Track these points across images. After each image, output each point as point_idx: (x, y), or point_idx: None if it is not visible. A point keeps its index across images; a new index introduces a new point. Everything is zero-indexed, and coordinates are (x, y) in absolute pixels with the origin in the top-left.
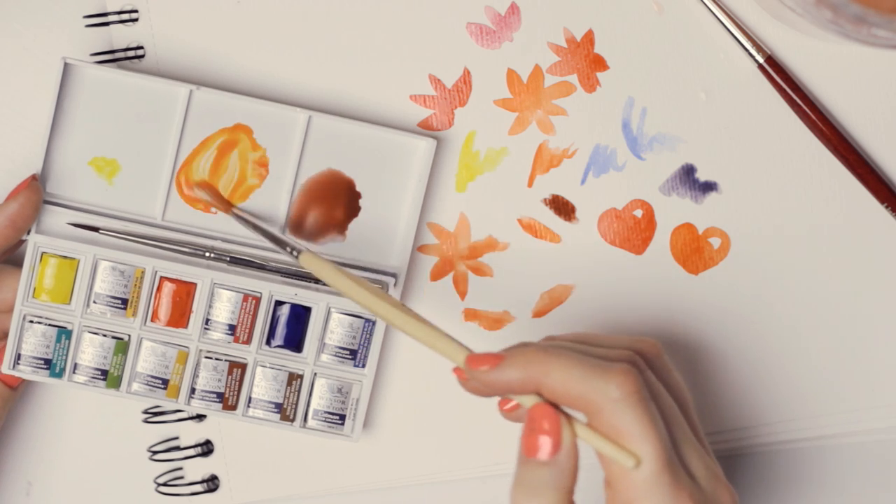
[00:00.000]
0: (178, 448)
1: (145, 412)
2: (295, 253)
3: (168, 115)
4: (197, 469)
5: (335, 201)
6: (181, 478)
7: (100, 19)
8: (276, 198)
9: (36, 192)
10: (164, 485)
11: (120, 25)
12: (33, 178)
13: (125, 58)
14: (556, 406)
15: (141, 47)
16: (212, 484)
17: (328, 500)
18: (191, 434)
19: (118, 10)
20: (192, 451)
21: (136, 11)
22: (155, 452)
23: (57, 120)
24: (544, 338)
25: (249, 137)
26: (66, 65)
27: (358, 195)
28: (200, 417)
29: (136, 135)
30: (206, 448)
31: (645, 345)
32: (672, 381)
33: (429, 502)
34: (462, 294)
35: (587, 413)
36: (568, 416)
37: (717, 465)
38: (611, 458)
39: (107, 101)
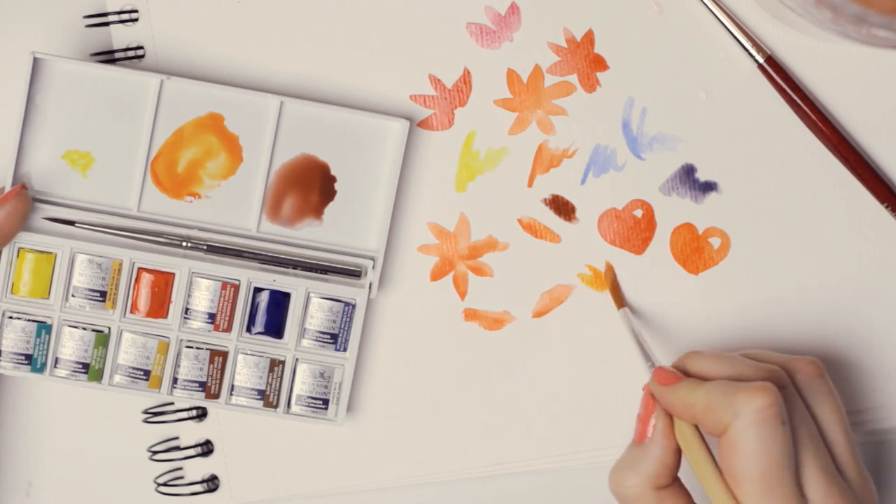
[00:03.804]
0: (178, 448)
1: (145, 412)
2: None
3: (140, 106)
4: (197, 469)
5: (310, 186)
6: (181, 478)
7: (100, 19)
8: (251, 184)
9: (24, 202)
10: (164, 485)
11: (120, 25)
12: (23, 186)
13: (125, 58)
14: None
15: (141, 47)
16: (212, 484)
17: (328, 500)
18: (191, 434)
19: (118, 10)
20: (192, 451)
21: (136, 11)
22: (155, 452)
23: (28, 115)
24: (684, 356)
25: (221, 141)
26: (35, 59)
27: (333, 179)
28: (200, 417)
29: (108, 127)
30: (206, 448)
31: (802, 363)
32: (827, 402)
33: (429, 502)
34: (462, 294)
35: (723, 433)
36: (666, 414)
37: (848, 493)
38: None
39: (78, 94)
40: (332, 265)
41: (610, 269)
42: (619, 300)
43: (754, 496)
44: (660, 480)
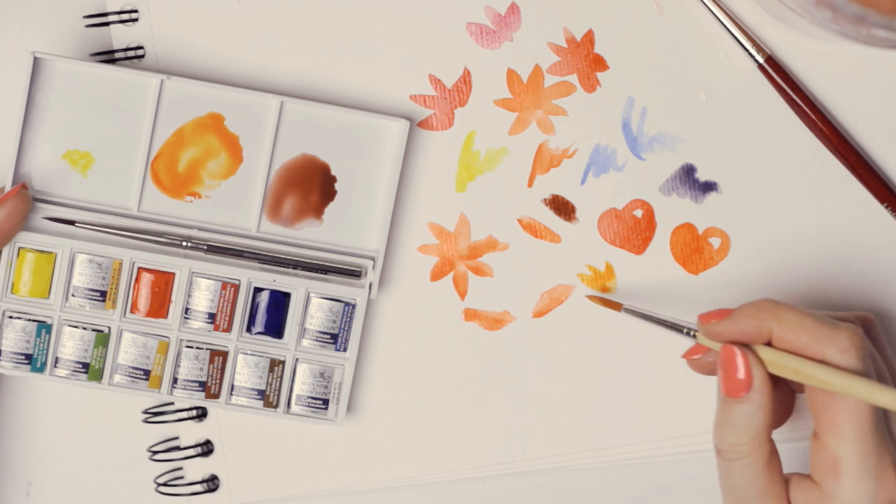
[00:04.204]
0: (178, 448)
1: (145, 412)
2: (692, 333)
3: (140, 106)
4: (197, 469)
5: (310, 186)
6: (181, 478)
7: (100, 19)
8: (251, 184)
9: (24, 201)
10: (164, 485)
11: (120, 25)
12: (23, 186)
13: (125, 58)
14: (746, 345)
15: (141, 47)
16: (212, 484)
17: (328, 500)
18: (191, 434)
19: (118, 10)
20: (192, 451)
21: (136, 11)
22: (155, 452)
23: (28, 115)
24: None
25: (221, 140)
26: (35, 59)
27: (333, 179)
28: (200, 417)
29: (109, 127)
30: (206, 448)
31: (861, 316)
32: (883, 352)
33: (429, 502)
34: (462, 294)
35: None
36: (758, 357)
37: None
38: (833, 388)
39: (78, 94)
40: (332, 265)
41: (592, 298)
42: (615, 305)
43: (862, 429)
44: (770, 429)
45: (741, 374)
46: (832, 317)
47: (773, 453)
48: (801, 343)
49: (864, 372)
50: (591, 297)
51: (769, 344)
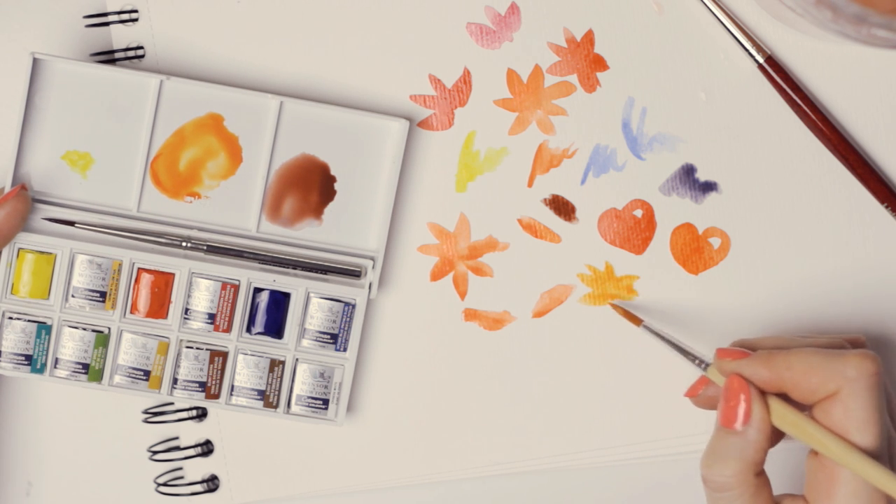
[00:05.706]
0: (178, 448)
1: (145, 412)
2: (703, 366)
3: (139, 106)
4: (197, 469)
5: (310, 186)
6: (181, 478)
7: (100, 19)
8: (250, 184)
9: (23, 202)
10: (164, 485)
11: (120, 25)
12: (22, 187)
13: (125, 58)
14: (750, 382)
15: (141, 47)
16: (212, 484)
17: (328, 500)
18: (191, 434)
19: (118, 10)
20: (192, 451)
21: (136, 11)
22: (155, 452)
23: (28, 115)
24: (737, 342)
25: (220, 140)
26: (35, 59)
27: (333, 179)
28: (200, 417)
29: (108, 127)
30: (206, 448)
31: (850, 339)
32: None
33: (429, 502)
34: (462, 294)
35: (827, 399)
36: (763, 394)
37: None
38: (805, 443)
39: (78, 95)
40: (332, 265)
41: (615, 307)
42: (635, 319)
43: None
44: (759, 467)
45: (742, 405)
46: (838, 340)
47: (762, 486)
48: (814, 384)
49: (870, 406)
50: (615, 307)
51: (781, 396)
